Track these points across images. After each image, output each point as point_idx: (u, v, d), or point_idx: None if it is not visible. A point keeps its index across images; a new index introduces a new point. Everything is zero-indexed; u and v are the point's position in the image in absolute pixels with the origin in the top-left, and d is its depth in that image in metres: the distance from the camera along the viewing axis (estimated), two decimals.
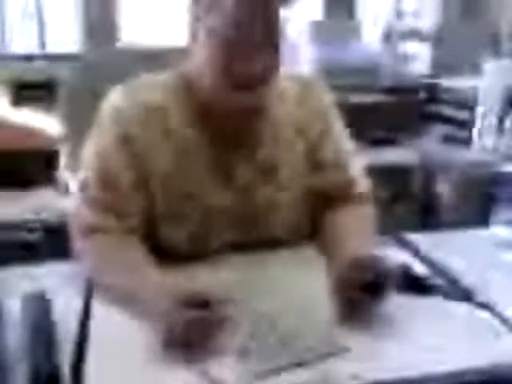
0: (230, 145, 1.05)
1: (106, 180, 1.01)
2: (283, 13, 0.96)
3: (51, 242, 1.83)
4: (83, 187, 1.04)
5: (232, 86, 0.94)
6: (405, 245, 1.15)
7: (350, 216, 1.10)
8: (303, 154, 1.11)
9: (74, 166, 1.51)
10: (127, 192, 1.01)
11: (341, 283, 0.87)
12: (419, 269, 1.03)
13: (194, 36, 0.97)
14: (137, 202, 1.02)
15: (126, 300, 0.88)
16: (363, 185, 1.17)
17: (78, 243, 1.02)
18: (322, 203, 1.13)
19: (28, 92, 2.44)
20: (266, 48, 0.94)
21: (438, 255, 1.09)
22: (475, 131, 2.55)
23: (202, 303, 0.79)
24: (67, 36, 2.99)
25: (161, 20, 3.05)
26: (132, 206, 1.02)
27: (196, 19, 0.97)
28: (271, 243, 1.09)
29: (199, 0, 0.96)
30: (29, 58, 2.80)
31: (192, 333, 0.77)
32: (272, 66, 0.96)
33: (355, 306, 0.85)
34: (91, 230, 1.00)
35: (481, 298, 0.94)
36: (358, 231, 1.05)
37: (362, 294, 0.84)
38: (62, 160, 1.64)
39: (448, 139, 2.70)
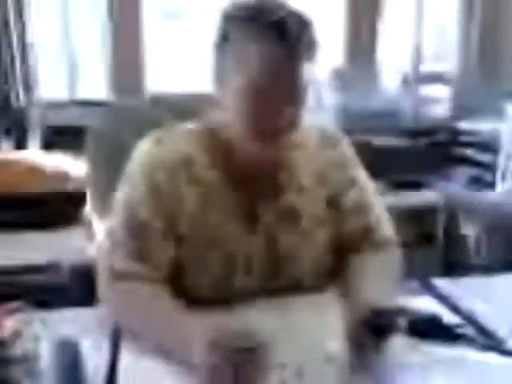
0: (253, 192, 1.07)
1: (135, 227, 1.03)
2: (310, 67, 0.98)
3: (77, 285, 1.84)
4: (112, 233, 1.05)
5: (257, 136, 0.98)
6: (432, 291, 1.14)
7: (370, 262, 1.10)
8: (324, 202, 1.12)
9: (100, 210, 1.54)
10: (156, 240, 1.03)
11: (350, 329, 0.87)
12: (448, 317, 1.01)
13: (220, 82, 1.00)
14: (165, 250, 1.04)
15: (159, 349, 0.89)
16: (386, 229, 1.17)
17: (105, 289, 1.03)
18: (345, 249, 1.14)
19: (58, 137, 2.51)
20: (293, 103, 0.96)
21: (465, 301, 1.08)
22: (499, 174, 2.54)
23: (245, 347, 0.76)
24: (97, 83, 3.08)
25: (189, 67, 3.12)
26: (160, 253, 1.03)
27: (222, 67, 1.00)
28: (294, 289, 1.09)
29: (225, 51, 0.99)
30: (59, 104, 2.89)
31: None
32: (296, 120, 0.99)
33: (361, 350, 0.85)
34: (119, 277, 1.01)
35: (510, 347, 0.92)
36: (375, 278, 1.05)
37: (366, 336, 0.84)
38: (89, 203, 1.68)
39: (472, 181, 2.68)
